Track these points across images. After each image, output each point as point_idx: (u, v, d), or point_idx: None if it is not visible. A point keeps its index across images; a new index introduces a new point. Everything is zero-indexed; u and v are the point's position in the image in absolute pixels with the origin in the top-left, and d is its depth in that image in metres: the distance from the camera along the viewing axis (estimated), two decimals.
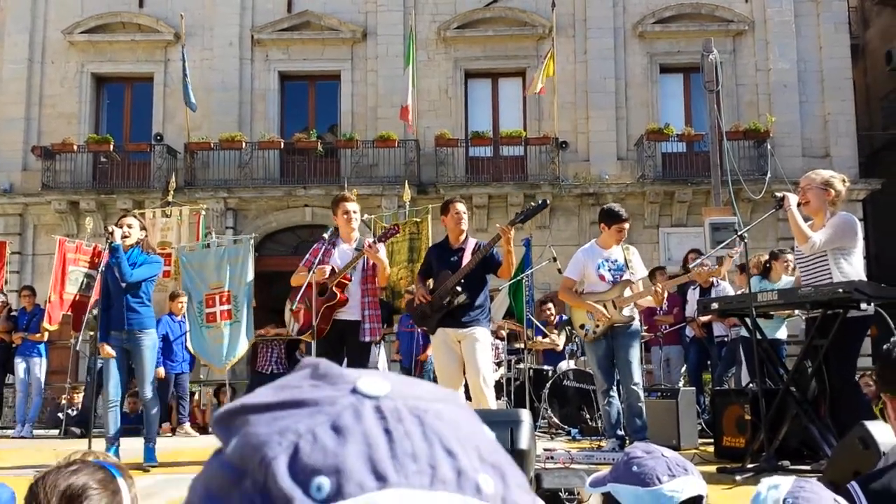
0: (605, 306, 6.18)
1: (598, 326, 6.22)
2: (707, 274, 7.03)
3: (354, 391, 0.49)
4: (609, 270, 6.31)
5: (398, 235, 11.09)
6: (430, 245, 6.39)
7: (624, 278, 6.28)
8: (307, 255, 6.08)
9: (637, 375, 6.24)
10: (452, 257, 5.99)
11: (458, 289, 5.80)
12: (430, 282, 6.08)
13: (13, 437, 10.03)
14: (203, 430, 11.09)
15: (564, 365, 9.18)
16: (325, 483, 0.44)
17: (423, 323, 6.17)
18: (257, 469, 0.46)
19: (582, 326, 6.38)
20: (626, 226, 6.42)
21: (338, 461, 0.45)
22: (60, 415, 11.78)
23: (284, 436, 0.46)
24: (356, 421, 0.47)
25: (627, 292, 6.24)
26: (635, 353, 6.29)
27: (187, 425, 10.31)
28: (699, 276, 7.25)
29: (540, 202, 6.24)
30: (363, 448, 0.46)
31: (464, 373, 5.98)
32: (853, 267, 5.10)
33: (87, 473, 1.64)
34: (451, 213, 6.08)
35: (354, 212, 6.04)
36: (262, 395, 0.50)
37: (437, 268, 6.04)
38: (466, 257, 5.91)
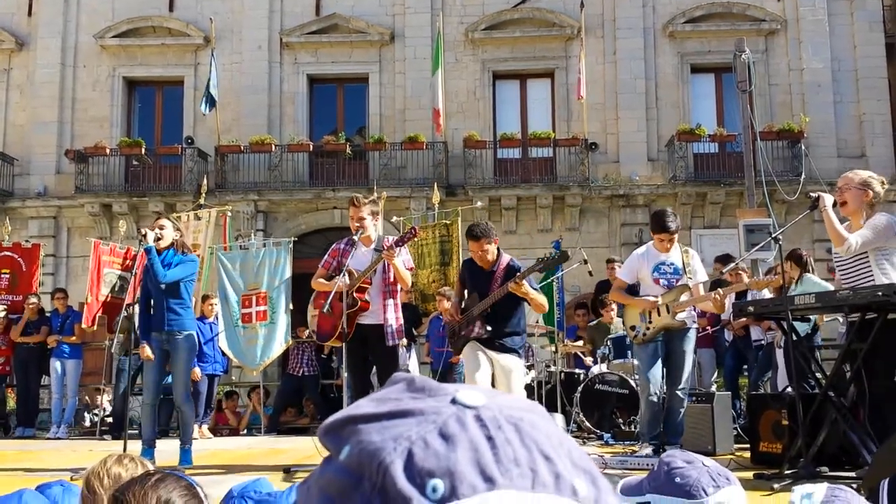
0: (658, 310, 6.07)
1: (648, 329, 6.13)
2: (765, 283, 6.88)
3: (454, 402, 0.53)
4: (664, 274, 6.17)
5: (425, 238, 11.12)
6: (465, 259, 6.25)
7: (681, 283, 6.13)
8: (325, 257, 6.08)
9: (684, 381, 6.16)
10: (484, 277, 5.78)
11: (487, 326, 5.64)
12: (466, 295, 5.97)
13: (49, 439, 10.16)
14: (234, 432, 11.13)
15: (596, 369, 9.10)
16: (439, 485, 0.48)
17: (451, 341, 6.08)
18: (375, 473, 0.50)
19: (633, 328, 6.29)
20: (673, 237, 6.14)
21: (449, 464, 0.49)
22: (88, 415, 11.91)
23: (398, 442, 0.50)
24: (461, 429, 0.51)
25: (684, 297, 6.09)
26: (688, 360, 6.20)
27: (205, 428, 10.09)
28: (757, 285, 7.11)
29: (558, 254, 5.93)
30: (471, 453, 0.49)
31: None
32: None
33: (173, 485, 1.65)
34: (474, 250, 5.77)
35: (362, 217, 5.90)
36: (366, 406, 0.54)
37: (470, 285, 5.89)
38: (498, 276, 5.70)
